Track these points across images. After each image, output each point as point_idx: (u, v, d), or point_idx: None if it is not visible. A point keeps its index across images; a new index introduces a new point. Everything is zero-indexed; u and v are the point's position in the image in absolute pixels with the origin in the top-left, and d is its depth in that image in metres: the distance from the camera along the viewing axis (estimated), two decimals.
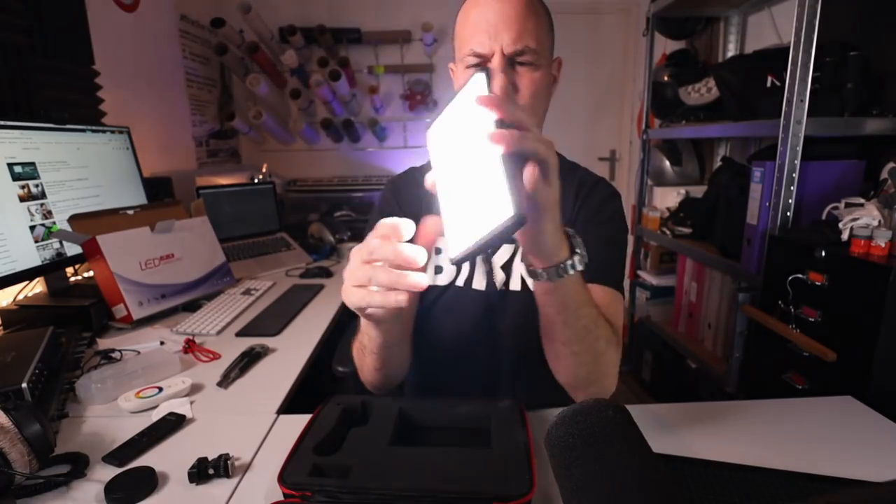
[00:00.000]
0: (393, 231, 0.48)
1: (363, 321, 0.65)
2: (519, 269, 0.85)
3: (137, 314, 1.20)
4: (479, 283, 0.87)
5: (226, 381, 0.94)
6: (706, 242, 1.81)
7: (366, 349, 0.71)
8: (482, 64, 0.74)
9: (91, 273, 1.31)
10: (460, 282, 0.87)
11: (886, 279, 1.00)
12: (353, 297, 0.51)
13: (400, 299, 0.48)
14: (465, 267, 0.87)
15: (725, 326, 1.69)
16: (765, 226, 1.40)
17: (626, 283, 1.49)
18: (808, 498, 0.26)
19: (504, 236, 0.39)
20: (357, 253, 0.50)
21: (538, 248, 0.52)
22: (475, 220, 0.41)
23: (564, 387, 0.71)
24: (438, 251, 0.88)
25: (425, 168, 0.94)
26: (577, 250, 0.54)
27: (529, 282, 0.84)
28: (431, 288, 0.89)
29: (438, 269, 0.88)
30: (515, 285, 0.86)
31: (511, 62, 0.73)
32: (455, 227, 0.45)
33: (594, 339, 0.61)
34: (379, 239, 0.48)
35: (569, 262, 0.53)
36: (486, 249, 0.53)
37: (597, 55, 3.06)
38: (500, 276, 0.86)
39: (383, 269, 0.48)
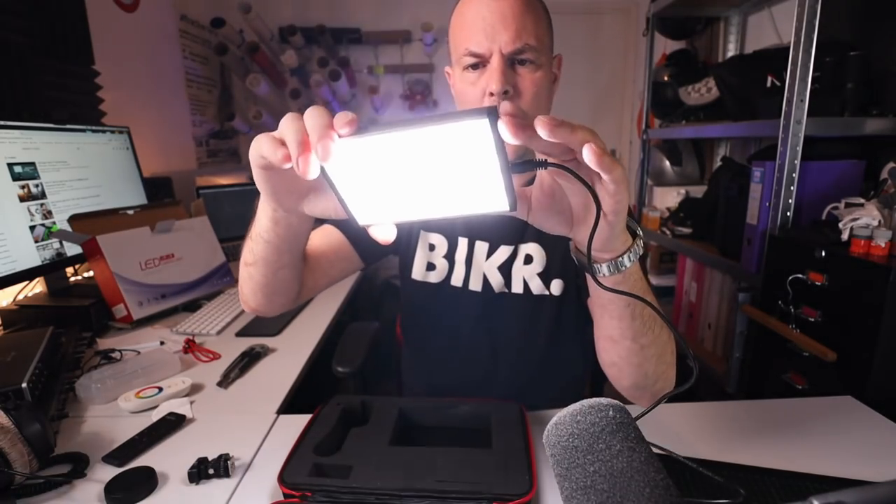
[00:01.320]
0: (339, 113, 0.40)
1: (257, 221, 0.60)
2: (521, 272, 0.84)
3: (137, 314, 1.20)
4: (476, 285, 0.86)
5: (226, 381, 0.94)
6: (706, 242, 1.81)
7: (250, 261, 0.67)
8: (480, 64, 0.71)
9: (91, 273, 1.31)
10: (457, 282, 0.87)
11: (886, 279, 1.00)
12: (255, 142, 0.44)
13: (280, 155, 0.40)
14: (460, 267, 0.86)
15: (725, 326, 1.69)
16: (765, 226, 1.40)
17: None
18: (808, 498, 0.26)
19: (488, 216, 0.43)
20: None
21: (610, 240, 0.48)
22: (447, 200, 0.42)
23: (628, 393, 0.64)
24: (432, 247, 0.88)
25: None
26: (638, 232, 0.52)
27: (542, 288, 0.83)
28: (425, 285, 0.88)
29: (431, 266, 0.88)
30: (517, 288, 0.85)
31: (511, 62, 0.70)
32: (404, 198, 0.43)
33: (660, 327, 0.58)
34: (322, 108, 0.41)
35: (634, 247, 0.50)
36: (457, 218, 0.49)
37: (597, 55, 3.06)
38: (497, 279, 0.85)
39: (299, 121, 0.41)
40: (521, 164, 0.43)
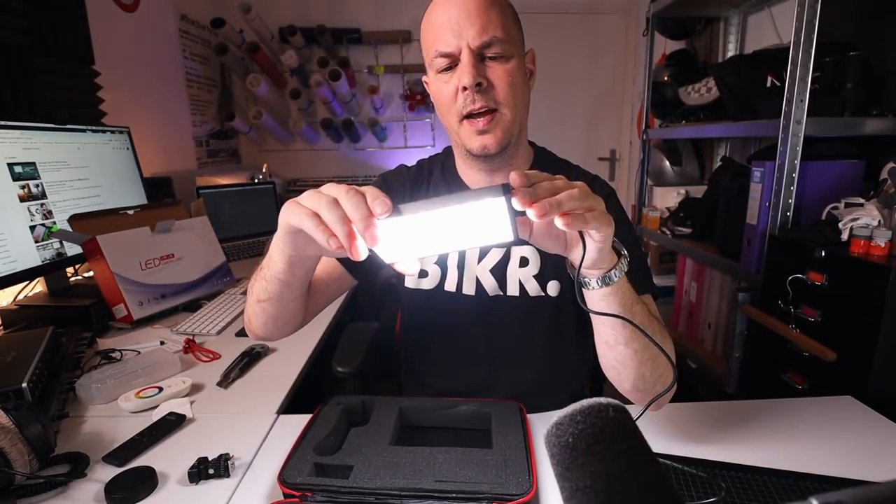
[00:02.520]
0: (369, 194, 0.48)
1: (272, 263, 0.64)
2: (516, 274, 0.84)
3: (137, 314, 1.20)
4: (470, 289, 0.86)
5: (226, 381, 0.94)
6: (706, 242, 1.81)
7: (263, 298, 0.71)
8: (452, 64, 0.72)
9: (91, 273, 1.31)
10: (451, 287, 0.87)
11: (886, 279, 1.00)
12: (294, 214, 0.51)
13: (333, 246, 0.48)
14: (453, 272, 0.87)
15: (725, 326, 1.69)
16: (765, 226, 1.40)
17: None
18: (808, 498, 0.26)
19: (500, 245, 0.52)
20: (331, 186, 0.50)
21: (599, 261, 0.56)
22: (464, 234, 0.51)
23: (630, 395, 0.68)
24: None
25: (413, 168, 0.94)
26: (622, 252, 0.60)
27: (539, 289, 0.84)
28: (418, 292, 0.89)
29: (423, 273, 0.88)
30: (513, 290, 0.85)
31: (480, 57, 0.71)
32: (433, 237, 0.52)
33: (651, 332, 0.61)
34: (354, 191, 0.48)
35: (619, 264, 0.59)
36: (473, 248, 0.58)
37: (597, 55, 3.06)
38: (490, 282, 0.85)
39: (339, 209, 0.48)
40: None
